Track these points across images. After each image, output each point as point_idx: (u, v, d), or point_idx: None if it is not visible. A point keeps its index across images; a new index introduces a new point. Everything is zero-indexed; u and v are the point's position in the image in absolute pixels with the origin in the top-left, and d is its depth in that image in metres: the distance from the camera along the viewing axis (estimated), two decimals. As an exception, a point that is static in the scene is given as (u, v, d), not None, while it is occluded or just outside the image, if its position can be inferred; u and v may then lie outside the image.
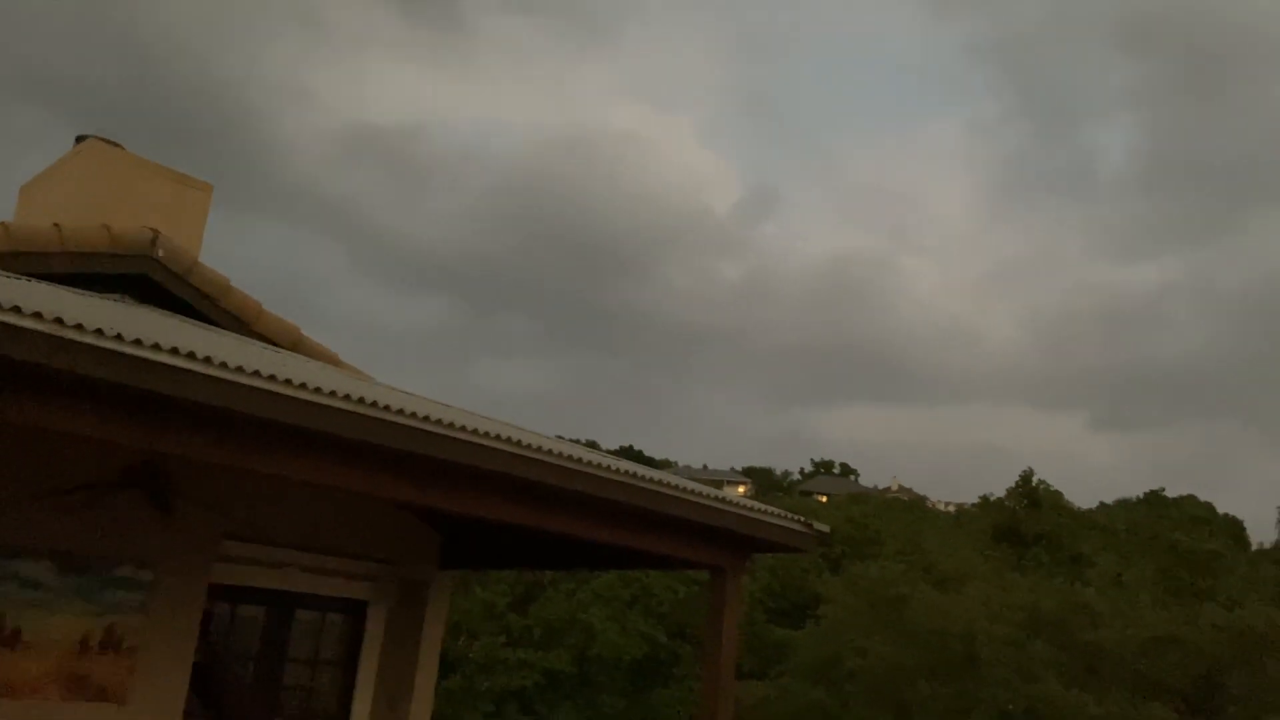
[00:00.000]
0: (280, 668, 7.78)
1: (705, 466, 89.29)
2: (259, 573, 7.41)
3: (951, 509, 55.78)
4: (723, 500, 6.50)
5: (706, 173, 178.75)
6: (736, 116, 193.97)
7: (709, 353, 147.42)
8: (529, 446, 5.04)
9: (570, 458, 5.32)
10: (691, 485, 6.29)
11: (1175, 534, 34.74)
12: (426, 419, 4.54)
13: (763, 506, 6.84)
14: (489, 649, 26.27)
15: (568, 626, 25.80)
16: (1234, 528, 44.57)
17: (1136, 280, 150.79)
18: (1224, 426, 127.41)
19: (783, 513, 6.96)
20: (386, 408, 4.39)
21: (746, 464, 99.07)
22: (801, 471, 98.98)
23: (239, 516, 7.04)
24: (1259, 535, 39.35)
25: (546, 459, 5.14)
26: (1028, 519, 30.53)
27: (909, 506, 51.35)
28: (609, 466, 5.67)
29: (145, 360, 3.68)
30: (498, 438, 4.86)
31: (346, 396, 4.25)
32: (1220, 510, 46.59)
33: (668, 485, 6.00)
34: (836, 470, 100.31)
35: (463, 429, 4.68)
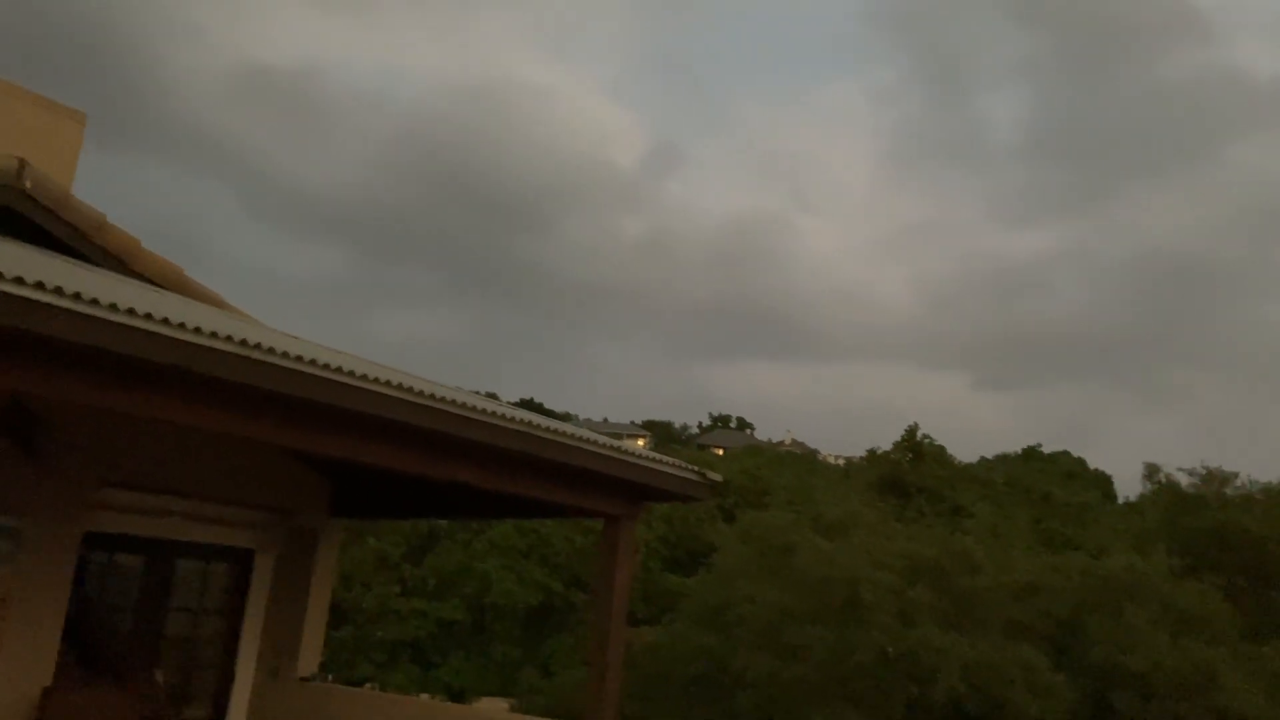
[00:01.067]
0: (161, 618, 7.58)
1: (605, 420, 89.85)
2: (138, 520, 7.18)
3: (841, 462, 57.35)
4: (619, 450, 6.55)
5: (611, 127, 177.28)
6: (642, 72, 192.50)
7: (611, 308, 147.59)
8: (421, 393, 4.96)
9: (465, 405, 5.27)
10: (588, 435, 6.31)
11: (1049, 487, 36.65)
12: (312, 362, 4.41)
13: (658, 456, 6.91)
14: (382, 599, 26.09)
15: (463, 576, 25.80)
16: (1103, 482, 47.14)
17: (1022, 247, 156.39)
18: (1097, 388, 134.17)
19: (678, 462, 7.05)
20: (271, 350, 4.26)
21: (646, 418, 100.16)
22: (700, 426, 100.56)
23: (116, 462, 6.78)
24: (1125, 489, 41.66)
25: (440, 406, 5.08)
26: (912, 472, 31.69)
27: (801, 459, 52.66)
28: (505, 415, 5.64)
29: (7, 295, 3.47)
30: (387, 383, 4.77)
31: (228, 338, 4.10)
32: (1091, 466, 49.09)
33: (564, 434, 6.01)
34: (733, 425, 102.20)
35: (350, 373, 4.57)
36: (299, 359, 4.35)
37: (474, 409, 5.32)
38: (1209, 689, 13.09)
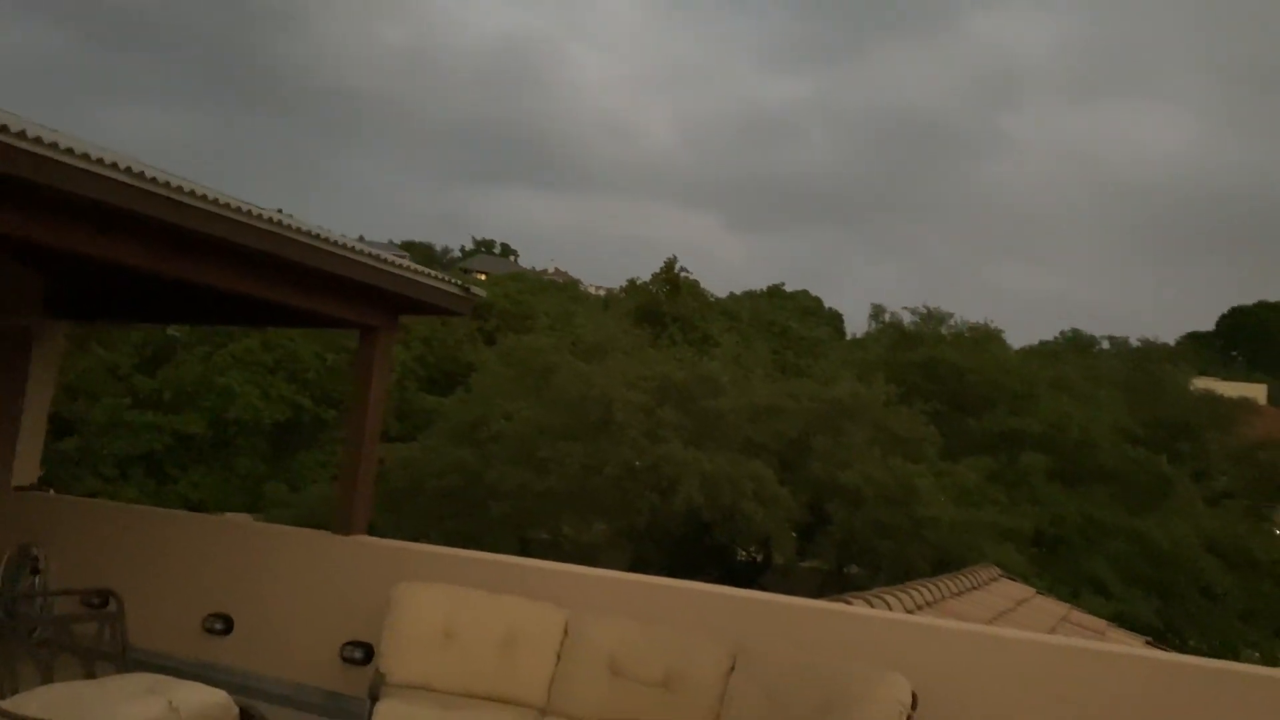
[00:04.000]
0: None
1: (362, 238, 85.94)
2: None
3: (603, 293, 58.43)
4: (376, 257, 6.29)
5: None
6: None
7: (371, 121, 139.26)
8: (144, 176, 4.48)
9: (199, 195, 4.83)
10: (343, 239, 6.00)
11: (789, 322, 39.33)
12: (3, 129, 3.84)
13: (416, 266, 6.70)
14: (112, 411, 24.38)
15: (202, 390, 24.49)
16: (836, 320, 51.13)
17: (779, 94, 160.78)
18: (836, 233, 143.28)
19: (437, 274, 6.88)
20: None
21: (406, 239, 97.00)
22: (462, 250, 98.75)
23: None
24: (855, 327, 45.53)
25: (168, 194, 4.62)
26: (668, 303, 32.87)
27: (564, 288, 53.24)
28: (248, 210, 5.24)
29: None
30: (100, 161, 4.25)
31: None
32: (827, 305, 52.95)
33: (317, 236, 5.68)
34: (497, 250, 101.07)
35: (53, 146, 4.03)
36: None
37: (210, 200, 4.89)
38: (909, 499, 14.84)
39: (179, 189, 4.63)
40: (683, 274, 35.37)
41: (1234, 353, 58.59)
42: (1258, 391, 38.73)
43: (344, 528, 6.67)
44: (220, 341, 23.04)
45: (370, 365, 6.87)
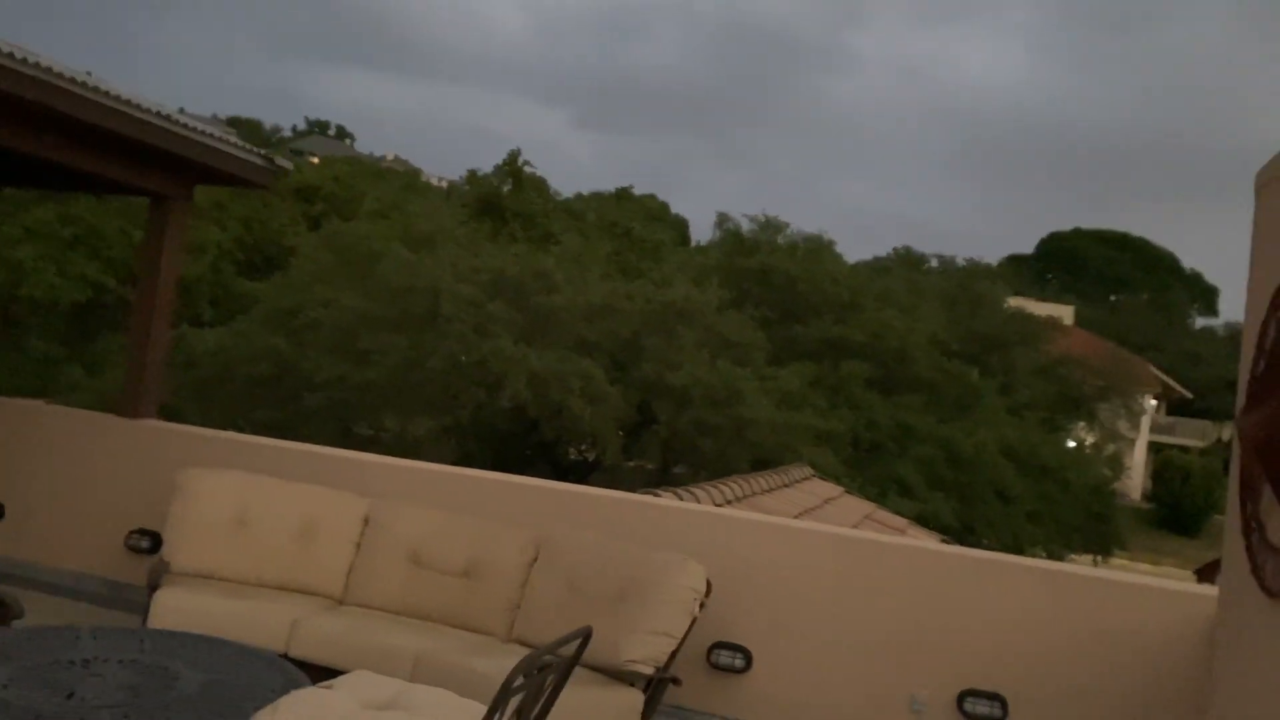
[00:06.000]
0: None
1: (182, 110, 79.99)
2: None
3: (444, 184, 56.66)
4: (165, 117, 5.74)
5: None
6: None
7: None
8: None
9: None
10: (128, 95, 5.43)
11: (633, 224, 39.23)
12: None
13: (216, 132, 6.17)
14: None
15: (-12, 265, 22.27)
16: (682, 226, 51.41)
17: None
18: (685, 139, 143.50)
19: (239, 142, 6.36)
20: None
21: (231, 113, 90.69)
22: (294, 130, 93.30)
23: None
24: (699, 234, 45.95)
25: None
26: (510, 197, 32.09)
27: (402, 177, 51.19)
28: (14, 54, 4.64)
29: None
30: None
31: None
32: (673, 210, 53.12)
33: (95, 90, 5.11)
34: (332, 133, 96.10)
35: None
36: None
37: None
38: (734, 401, 15.21)
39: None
40: (527, 168, 34.61)
41: (1049, 275, 62.56)
42: (1066, 312, 41.54)
43: (131, 411, 6.24)
44: (8, 211, 20.95)
45: (161, 237, 6.36)
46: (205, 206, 21.36)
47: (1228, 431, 46.09)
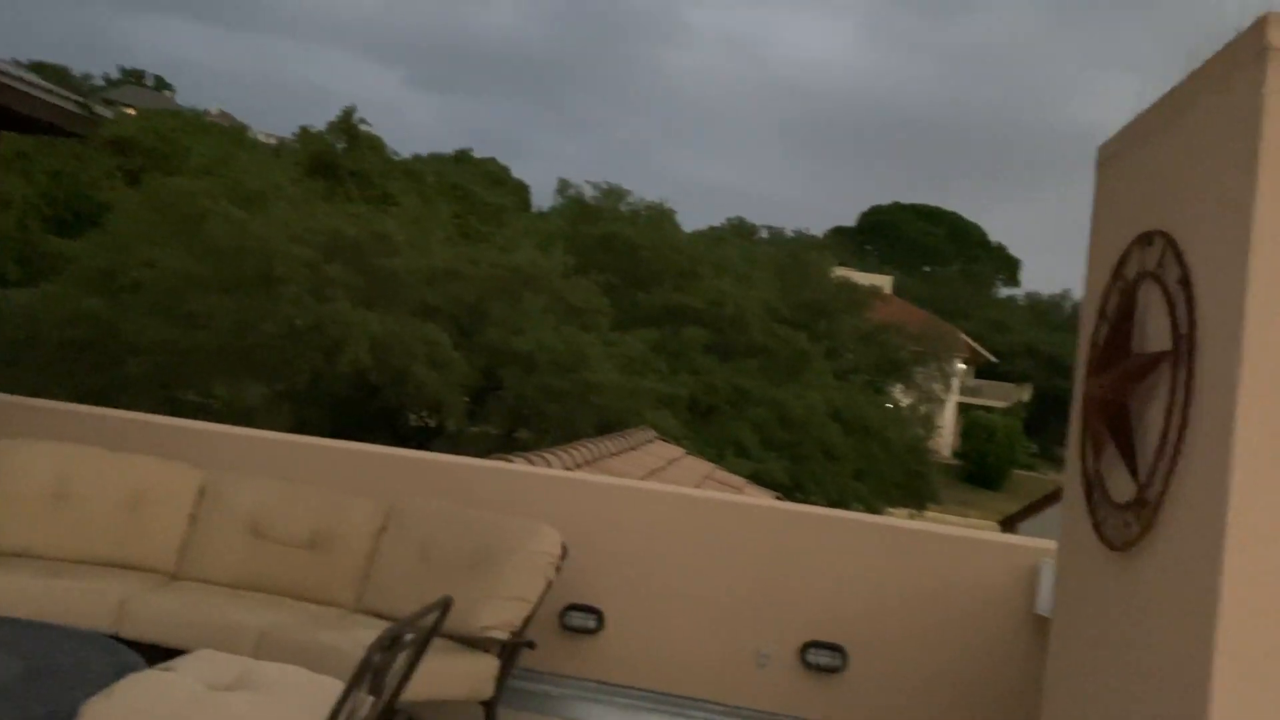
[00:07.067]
0: None
1: (-25, 49, 72.95)
2: None
3: (274, 141, 54.03)
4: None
5: None
6: None
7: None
8: None
9: None
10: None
11: (473, 188, 38.56)
12: None
13: (19, 72, 5.66)
14: None
15: None
16: (522, 191, 50.86)
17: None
18: (525, 104, 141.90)
19: (48, 85, 5.86)
20: None
21: (35, 58, 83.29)
22: (107, 79, 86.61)
23: None
24: (541, 200, 45.60)
25: None
26: (346, 156, 30.93)
27: (228, 132, 48.45)
28: None
29: None
30: None
31: None
32: (515, 174, 52.46)
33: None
34: (149, 83, 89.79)
35: None
36: None
37: None
38: (579, 366, 15.28)
39: None
40: (363, 126, 33.41)
41: (869, 247, 65.51)
42: (885, 282, 43.70)
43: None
44: None
45: (-40, 188, 5.80)
46: (8, 157, 19.66)
47: (1027, 393, 49.91)
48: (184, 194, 15.80)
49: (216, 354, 13.21)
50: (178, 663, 3.06)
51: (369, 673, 2.56)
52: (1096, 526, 2.48)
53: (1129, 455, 2.31)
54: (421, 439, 15.62)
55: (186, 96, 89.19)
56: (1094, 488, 2.53)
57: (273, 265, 13.38)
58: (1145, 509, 2.19)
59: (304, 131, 33.58)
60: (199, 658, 3.13)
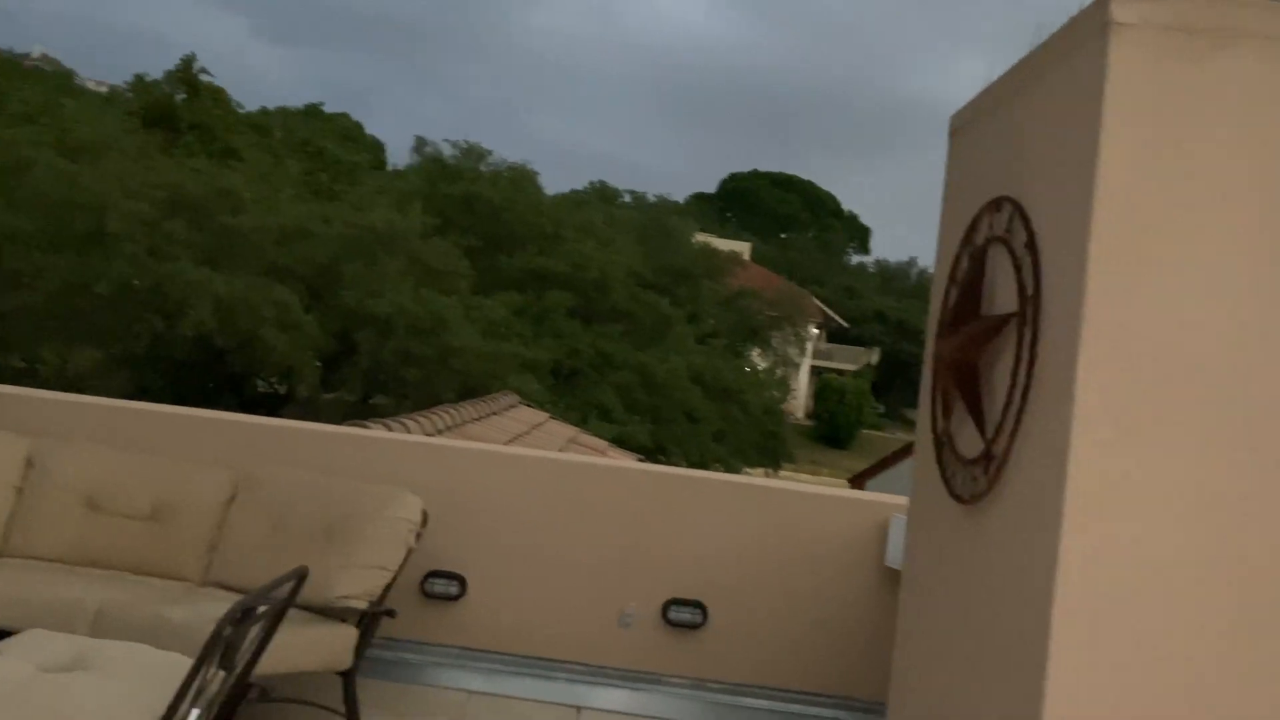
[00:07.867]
0: None
1: None
2: None
3: (105, 89, 50.49)
4: None
5: None
6: None
7: None
8: None
9: None
10: None
11: (325, 143, 37.06)
12: None
13: None
14: None
15: None
16: (377, 149, 49.19)
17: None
18: (379, 59, 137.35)
19: None
20: None
21: None
22: (-93, 12, 78.87)
23: None
24: (397, 159, 44.16)
25: None
26: (185, 108, 29.22)
27: (53, 78, 44.94)
28: None
29: None
30: None
31: None
32: (369, 131, 50.63)
33: None
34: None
35: None
36: None
37: None
38: (439, 330, 14.98)
39: None
40: (204, 76, 31.62)
41: (729, 213, 66.60)
42: (744, 248, 44.57)
43: None
44: None
45: None
46: None
47: (875, 356, 52.07)
48: (3, 143, 14.59)
49: (44, 315, 12.31)
50: (5, 645, 2.85)
51: (220, 647, 2.44)
52: (946, 481, 2.59)
53: (977, 413, 2.41)
54: (271, 406, 15.05)
55: (6, 38, 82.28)
56: (944, 444, 2.63)
57: (106, 221, 12.52)
58: (991, 463, 2.29)
59: (139, 80, 31.46)
60: (30, 638, 2.93)
